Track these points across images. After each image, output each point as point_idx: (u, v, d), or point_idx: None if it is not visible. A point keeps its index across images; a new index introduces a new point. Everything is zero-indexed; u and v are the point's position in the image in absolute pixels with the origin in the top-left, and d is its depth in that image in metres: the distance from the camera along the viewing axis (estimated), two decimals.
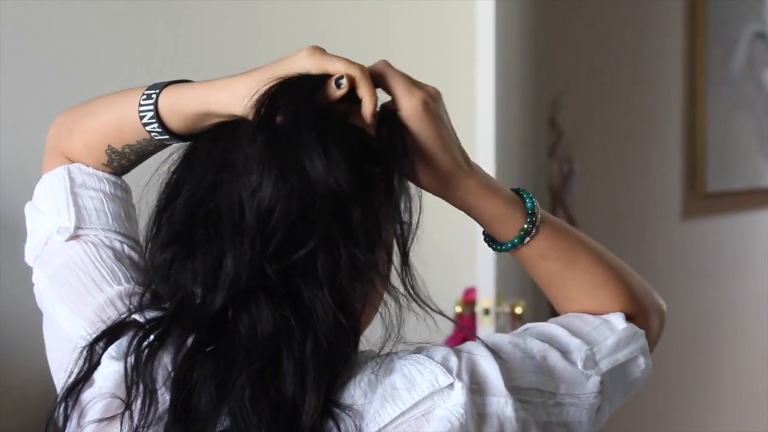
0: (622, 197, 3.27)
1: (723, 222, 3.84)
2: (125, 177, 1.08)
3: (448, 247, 2.24)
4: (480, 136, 2.06)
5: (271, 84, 0.92)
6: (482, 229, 1.07)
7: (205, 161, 0.95)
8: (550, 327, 1.03)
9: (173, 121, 0.98)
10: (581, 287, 1.08)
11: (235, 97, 0.93)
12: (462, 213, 1.04)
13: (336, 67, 0.93)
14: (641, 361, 1.06)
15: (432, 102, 0.97)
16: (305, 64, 0.93)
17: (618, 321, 1.06)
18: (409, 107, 0.96)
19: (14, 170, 1.53)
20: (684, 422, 3.61)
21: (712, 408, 3.82)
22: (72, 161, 1.06)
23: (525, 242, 1.04)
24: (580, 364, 0.99)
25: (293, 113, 0.91)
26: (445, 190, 1.01)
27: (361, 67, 0.94)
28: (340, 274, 0.90)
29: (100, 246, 1.01)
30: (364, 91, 0.94)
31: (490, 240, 1.07)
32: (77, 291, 0.99)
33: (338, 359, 0.90)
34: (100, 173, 1.05)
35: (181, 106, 0.96)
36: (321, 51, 0.94)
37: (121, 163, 1.04)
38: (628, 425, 3.19)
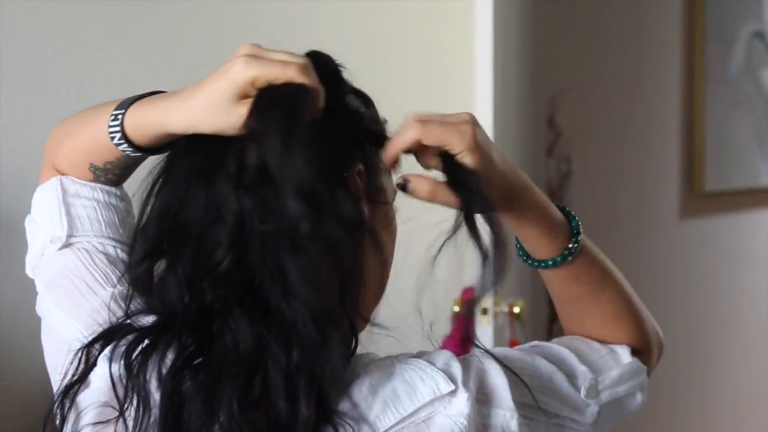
0: (620, 196, 3.27)
1: (721, 221, 3.84)
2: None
3: (447, 247, 2.23)
4: None
5: (253, 102, 0.89)
6: (516, 243, 1.07)
7: (180, 173, 0.94)
8: (559, 349, 1.04)
9: (141, 140, 0.97)
10: (602, 316, 1.09)
11: (193, 116, 0.91)
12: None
13: (275, 73, 0.89)
14: (638, 396, 1.08)
15: (479, 134, 0.96)
16: (247, 74, 0.89)
17: (624, 354, 1.07)
18: (464, 144, 0.94)
19: (14, 171, 1.53)
20: (683, 422, 3.61)
21: (711, 408, 3.82)
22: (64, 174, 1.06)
23: (567, 261, 1.04)
24: (583, 392, 1.01)
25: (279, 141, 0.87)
26: (503, 209, 1.00)
27: (299, 65, 0.90)
28: (317, 282, 0.87)
29: (93, 252, 1.01)
30: (310, 85, 0.91)
31: (526, 255, 1.06)
32: (71, 295, 0.99)
33: (331, 367, 0.88)
34: (93, 183, 1.05)
35: (145, 128, 0.96)
36: (255, 58, 0.90)
37: (108, 177, 1.04)
38: (627, 425, 3.19)
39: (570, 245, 1.03)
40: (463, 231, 0.94)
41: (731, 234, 3.91)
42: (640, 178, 3.39)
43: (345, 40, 2.07)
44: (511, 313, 2.12)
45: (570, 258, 1.03)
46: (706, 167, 3.64)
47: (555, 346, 1.05)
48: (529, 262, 1.07)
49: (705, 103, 3.62)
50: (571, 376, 1.01)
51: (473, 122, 0.96)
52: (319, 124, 0.91)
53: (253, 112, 0.88)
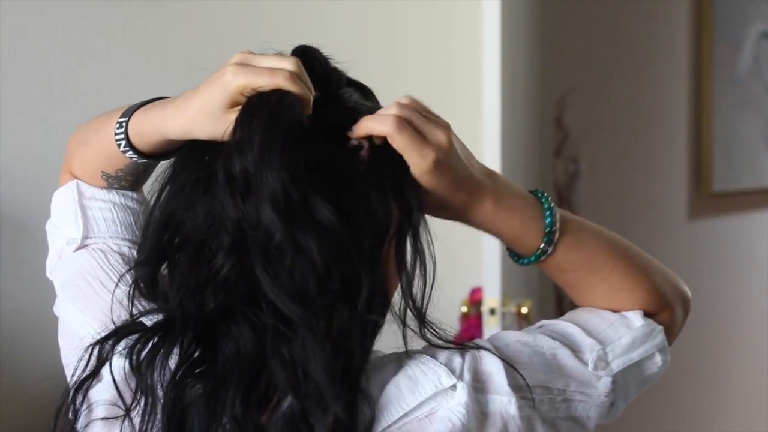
0: (628, 197, 3.27)
1: (729, 221, 3.84)
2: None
3: (454, 247, 2.23)
4: (486, 136, 2.07)
5: (241, 112, 0.90)
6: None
7: (179, 180, 0.95)
8: (565, 325, 1.03)
9: (145, 147, 0.98)
10: (599, 294, 1.07)
11: (189, 123, 0.93)
12: None
13: (263, 81, 0.90)
14: (658, 358, 1.06)
15: (444, 156, 0.95)
16: (235, 83, 0.90)
17: (636, 318, 1.06)
18: (421, 169, 0.94)
19: (14, 170, 1.53)
20: (691, 421, 3.61)
21: (719, 407, 3.82)
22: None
23: (541, 260, 1.04)
24: (590, 365, 1.00)
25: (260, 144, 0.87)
26: (461, 220, 1.01)
27: (286, 72, 0.90)
28: (319, 288, 0.87)
29: (108, 252, 1.03)
30: (296, 92, 0.90)
31: (512, 253, 1.06)
32: (86, 293, 1.01)
33: (342, 370, 0.88)
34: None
35: (147, 136, 0.97)
36: (244, 66, 0.91)
37: (121, 184, 1.05)
38: (634, 424, 3.18)
39: (542, 246, 1.02)
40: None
41: (739, 234, 3.91)
42: (647, 178, 3.39)
43: (351, 43, 2.07)
44: (518, 314, 2.12)
45: (544, 257, 1.03)
46: (714, 167, 3.64)
47: (561, 323, 1.04)
48: (513, 259, 1.07)
49: (713, 103, 3.62)
50: (576, 351, 1.00)
51: (443, 146, 0.95)
52: (308, 129, 0.91)
53: (237, 122, 0.89)
